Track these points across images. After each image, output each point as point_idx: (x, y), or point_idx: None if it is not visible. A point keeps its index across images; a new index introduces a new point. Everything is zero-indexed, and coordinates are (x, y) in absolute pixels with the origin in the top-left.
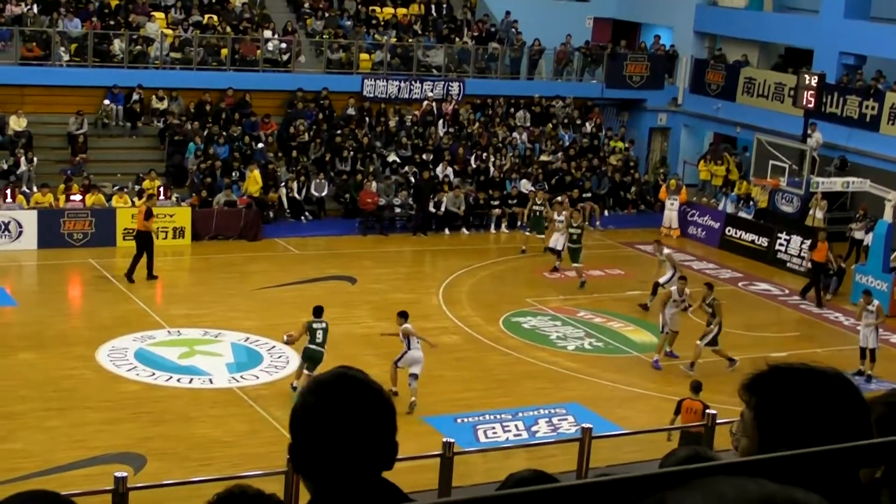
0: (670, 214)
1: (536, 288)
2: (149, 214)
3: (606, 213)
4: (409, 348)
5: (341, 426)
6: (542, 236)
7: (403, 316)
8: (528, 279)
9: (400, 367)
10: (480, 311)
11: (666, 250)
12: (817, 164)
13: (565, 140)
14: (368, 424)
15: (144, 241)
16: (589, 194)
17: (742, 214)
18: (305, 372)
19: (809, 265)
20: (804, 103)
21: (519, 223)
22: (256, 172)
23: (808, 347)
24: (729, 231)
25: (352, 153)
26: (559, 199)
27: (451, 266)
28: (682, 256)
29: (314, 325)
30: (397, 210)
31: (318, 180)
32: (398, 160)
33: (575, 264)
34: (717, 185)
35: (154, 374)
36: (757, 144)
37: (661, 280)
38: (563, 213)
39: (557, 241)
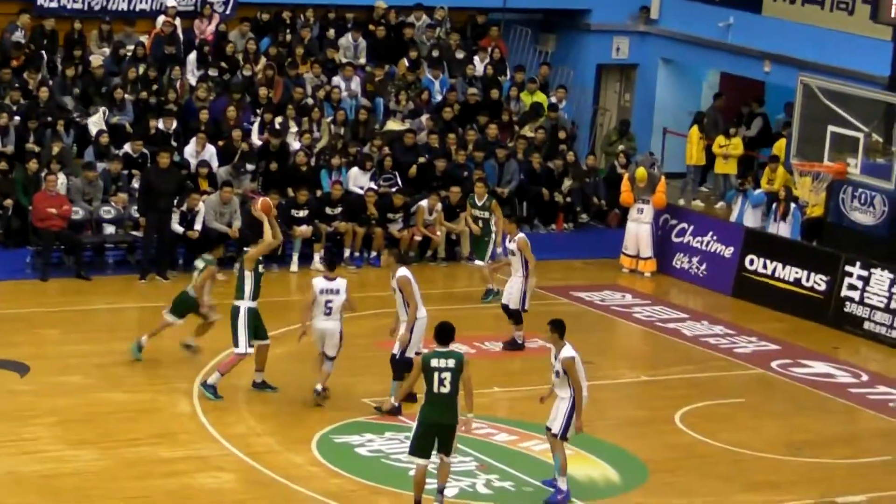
0: (638, 232)
1: (384, 375)
2: None
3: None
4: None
5: None
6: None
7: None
8: (367, 360)
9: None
10: (274, 425)
11: (520, 235)
12: None
13: (434, 91)
14: None
15: None
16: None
17: (777, 229)
18: None
19: None
20: (893, 16)
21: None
22: None
23: None
24: (751, 263)
25: (16, 119)
26: (424, 204)
27: (216, 337)
28: (663, 314)
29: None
30: (109, 230)
31: None
32: (105, 129)
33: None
34: (730, 175)
35: None
36: (802, 95)
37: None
38: (518, 236)
39: (512, 291)
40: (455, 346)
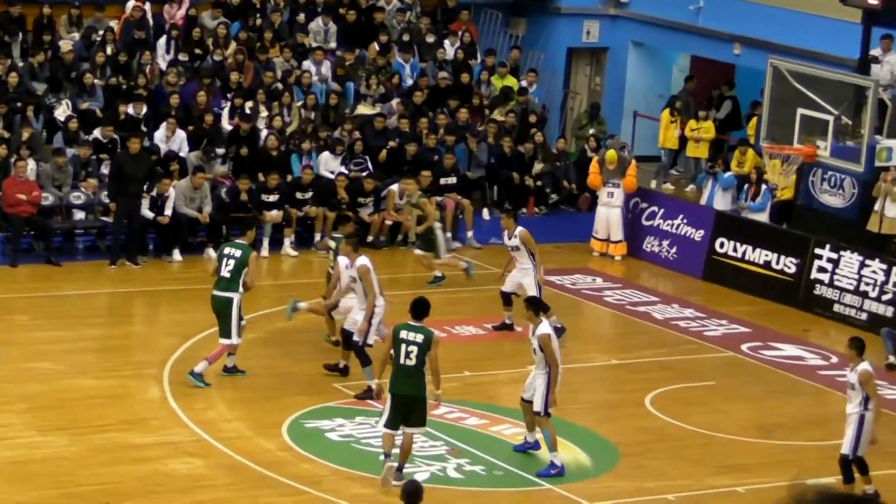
0: (608, 215)
1: (353, 361)
2: None
3: (486, 213)
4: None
5: None
6: (441, 260)
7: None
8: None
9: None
10: (244, 411)
11: (520, 228)
12: (889, 114)
13: (405, 75)
14: None
15: None
16: (452, 179)
17: (749, 213)
18: None
19: None
20: None
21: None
22: None
23: (878, 466)
24: (721, 245)
25: None
26: (395, 188)
27: (187, 322)
28: (634, 297)
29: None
30: (79, 216)
31: None
32: (74, 114)
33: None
34: (700, 158)
35: None
36: (772, 78)
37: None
38: (518, 230)
39: (525, 282)
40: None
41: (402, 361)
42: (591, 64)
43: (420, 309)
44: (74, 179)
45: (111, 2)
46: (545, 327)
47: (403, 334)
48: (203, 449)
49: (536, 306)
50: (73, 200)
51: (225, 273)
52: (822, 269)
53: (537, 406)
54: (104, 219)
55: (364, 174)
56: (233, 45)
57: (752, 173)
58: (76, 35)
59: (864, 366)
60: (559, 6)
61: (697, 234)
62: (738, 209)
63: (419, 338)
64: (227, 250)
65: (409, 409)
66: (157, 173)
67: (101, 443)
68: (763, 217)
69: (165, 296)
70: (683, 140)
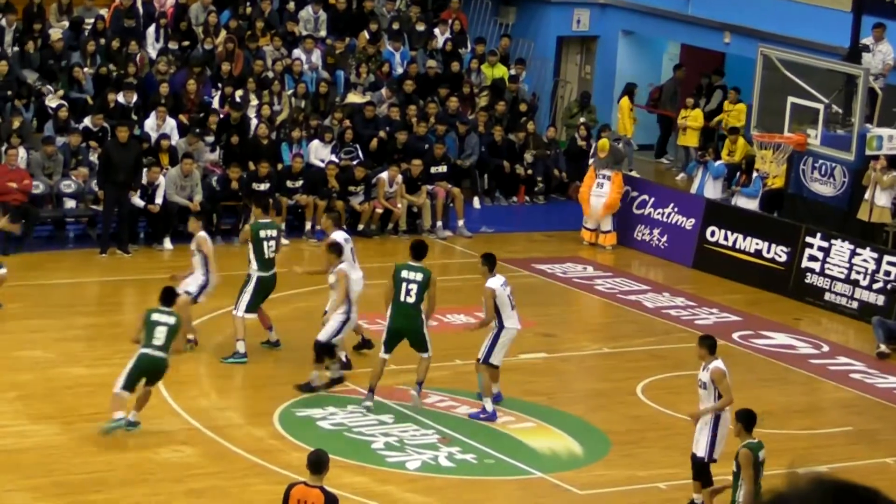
0: (598, 205)
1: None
2: None
3: (476, 203)
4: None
5: None
6: None
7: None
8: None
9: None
10: (236, 399)
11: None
12: (879, 102)
13: (395, 64)
14: None
15: None
16: (442, 167)
17: (740, 201)
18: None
19: None
20: None
21: None
22: None
23: (869, 454)
24: (712, 234)
25: None
26: (385, 176)
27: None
28: (625, 286)
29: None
30: (70, 204)
31: None
32: (65, 103)
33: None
34: (689, 147)
35: None
36: (762, 66)
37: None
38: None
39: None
40: None
41: (402, 299)
42: (581, 52)
43: (419, 250)
44: (65, 168)
45: None
46: (491, 282)
47: (404, 273)
48: (194, 437)
49: (490, 262)
50: (63, 189)
51: (271, 254)
52: (812, 258)
53: (480, 353)
54: (94, 207)
55: (354, 163)
56: (223, 34)
57: (743, 162)
58: (66, 23)
59: (717, 364)
60: None
61: (688, 223)
62: (729, 194)
63: (419, 276)
64: (264, 233)
65: (409, 339)
66: (147, 161)
67: (92, 431)
68: (754, 204)
69: (156, 284)
70: (667, 129)
